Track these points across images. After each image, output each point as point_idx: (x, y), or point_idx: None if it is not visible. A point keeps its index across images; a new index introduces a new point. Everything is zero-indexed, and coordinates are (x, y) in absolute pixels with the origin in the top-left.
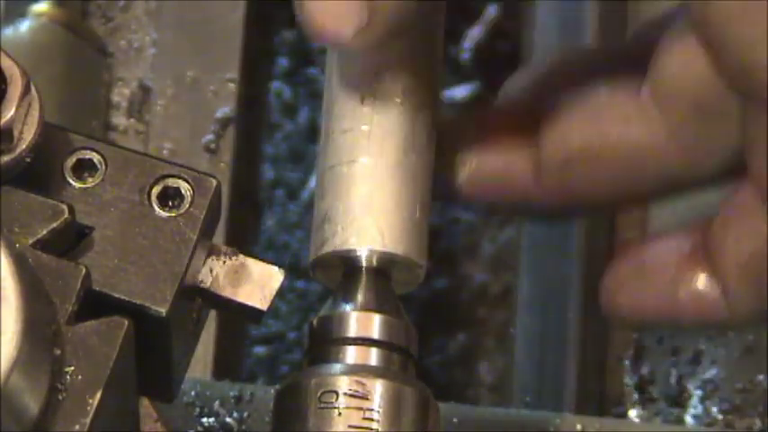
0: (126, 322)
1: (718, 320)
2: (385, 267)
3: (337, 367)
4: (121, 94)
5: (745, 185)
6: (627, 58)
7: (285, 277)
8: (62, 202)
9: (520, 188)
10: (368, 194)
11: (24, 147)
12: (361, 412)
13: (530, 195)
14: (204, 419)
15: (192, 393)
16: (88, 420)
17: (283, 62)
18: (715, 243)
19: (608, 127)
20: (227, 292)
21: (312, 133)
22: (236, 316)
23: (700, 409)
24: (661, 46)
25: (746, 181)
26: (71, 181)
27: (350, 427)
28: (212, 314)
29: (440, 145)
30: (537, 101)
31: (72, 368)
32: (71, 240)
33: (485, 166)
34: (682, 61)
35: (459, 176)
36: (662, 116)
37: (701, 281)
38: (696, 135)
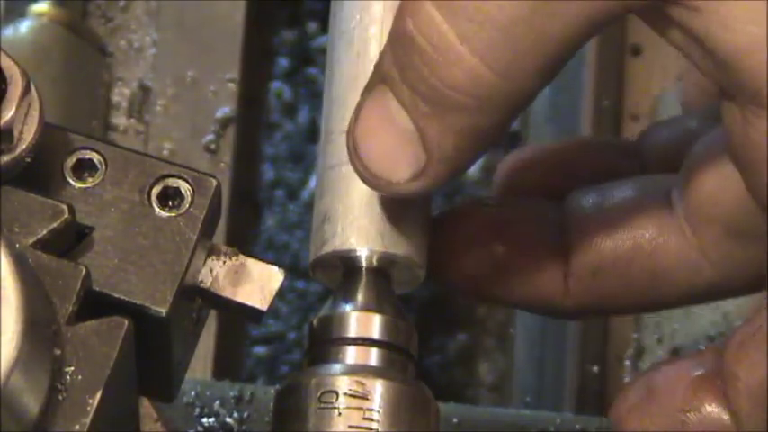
0: (126, 322)
1: None
2: (385, 267)
3: (337, 367)
4: (121, 94)
5: (762, 311)
6: (631, 153)
7: (285, 277)
8: (62, 202)
9: (547, 293)
10: (368, 194)
11: (24, 147)
12: (361, 412)
13: (557, 300)
14: (204, 419)
15: (192, 393)
16: (88, 420)
17: (283, 62)
18: (729, 367)
19: (641, 235)
20: (227, 292)
21: (312, 133)
22: (236, 316)
23: None
24: (693, 164)
25: (764, 307)
26: (71, 181)
27: (350, 427)
28: (212, 314)
29: (455, 237)
30: (557, 191)
31: (72, 368)
32: (71, 240)
33: (511, 268)
34: (715, 184)
35: (477, 271)
36: (695, 234)
37: (712, 406)
38: (729, 254)
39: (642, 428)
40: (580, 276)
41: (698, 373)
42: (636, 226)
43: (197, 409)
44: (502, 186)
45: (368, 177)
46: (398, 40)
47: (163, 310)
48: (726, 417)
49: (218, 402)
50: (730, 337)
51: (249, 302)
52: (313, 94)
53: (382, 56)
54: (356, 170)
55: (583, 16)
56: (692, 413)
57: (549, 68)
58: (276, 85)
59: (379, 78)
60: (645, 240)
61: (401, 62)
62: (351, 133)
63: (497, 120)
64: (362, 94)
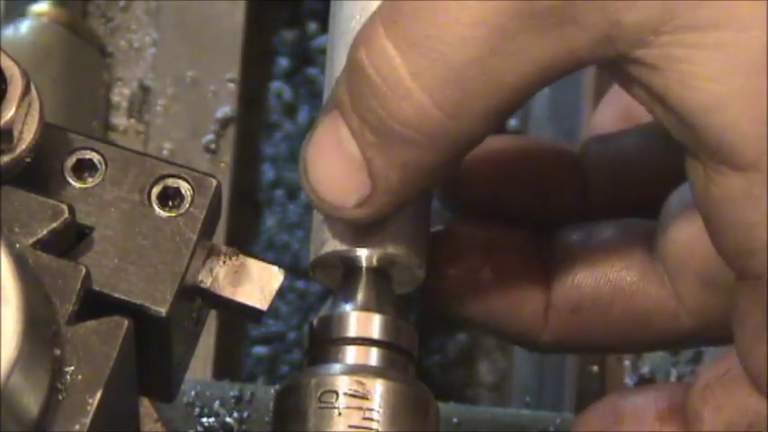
0: (126, 322)
1: None
2: (385, 267)
3: (337, 367)
4: (121, 94)
5: (731, 354)
6: (573, 163)
7: (285, 277)
8: (62, 202)
9: (526, 324)
10: None
11: (24, 147)
12: (361, 412)
13: (535, 332)
14: (204, 419)
15: (192, 393)
16: (88, 420)
17: (283, 62)
18: (694, 406)
19: (623, 278)
20: (227, 292)
21: None
22: (236, 316)
23: None
24: (669, 214)
25: (732, 350)
26: (71, 181)
27: (350, 427)
28: (212, 314)
29: (447, 254)
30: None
31: (72, 368)
32: (71, 240)
33: (496, 294)
34: (690, 235)
35: (463, 291)
36: (672, 283)
37: None
38: (705, 304)
39: None
40: (559, 312)
41: (665, 404)
42: (618, 268)
43: (197, 409)
44: (444, 187)
45: (314, 199)
46: (351, 68)
47: (163, 310)
48: None
49: (218, 402)
50: (698, 376)
51: (249, 302)
52: (313, 94)
53: (338, 80)
54: (304, 189)
55: (536, 66)
56: None
57: (498, 113)
58: (276, 85)
59: (333, 103)
60: (626, 283)
61: (352, 90)
62: (302, 154)
63: (444, 157)
64: (319, 116)
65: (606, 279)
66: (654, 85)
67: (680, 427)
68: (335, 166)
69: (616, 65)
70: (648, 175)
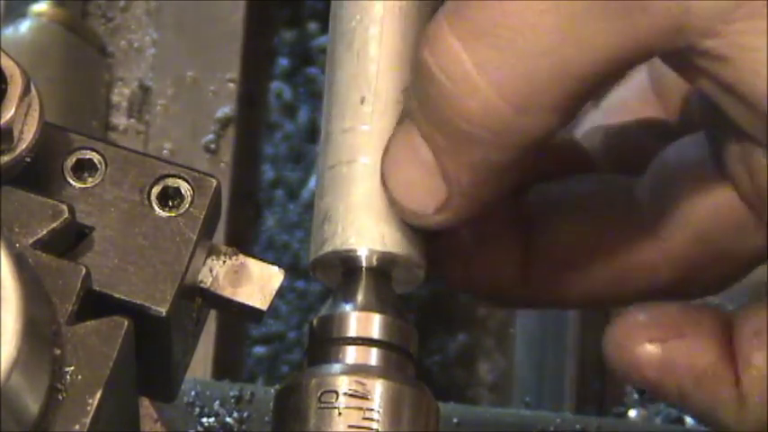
0: (126, 322)
1: (723, 423)
2: (385, 267)
3: (337, 367)
4: (121, 94)
5: None
6: (582, 153)
7: (285, 277)
8: (62, 202)
9: (507, 286)
10: (368, 194)
11: (24, 147)
12: (361, 412)
13: (517, 292)
14: (204, 419)
15: (192, 393)
16: (88, 420)
17: (283, 62)
18: (744, 350)
19: (603, 233)
20: (227, 292)
21: (312, 133)
22: (236, 316)
23: None
24: (667, 170)
25: None
26: (71, 181)
27: (350, 427)
28: (212, 314)
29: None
30: (524, 189)
31: (72, 368)
32: (71, 240)
33: (473, 262)
34: (692, 193)
35: (450, 268)
36: (661, 236)
37: (722, 382)
38: (693, 259)
39: (654, 353)
40: (540, 268)
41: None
42: (599, 223)
43: (197, 409)
44: None
45: (396, 208)
46: (417, 71)
47: (163, 310)
48: (732, 395)
49: (218, 402)
50: (743, 320)
51: (249, 302)
52: (313, 94)
53: (408, 88)
54: (388, 200)
55: (605, 56)
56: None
57: (566, 107)
58: (276, 85)
59: (405, 112)
60: (606, 238)
61: (419, 93)
62: (381, 165)
63: (512, 155)
64: (395, 126)
65: (587, 234)
66: (723, 76)
67: (731, 362)
68: (412, 173)
69: (683, 56)
70: (637, 137)
